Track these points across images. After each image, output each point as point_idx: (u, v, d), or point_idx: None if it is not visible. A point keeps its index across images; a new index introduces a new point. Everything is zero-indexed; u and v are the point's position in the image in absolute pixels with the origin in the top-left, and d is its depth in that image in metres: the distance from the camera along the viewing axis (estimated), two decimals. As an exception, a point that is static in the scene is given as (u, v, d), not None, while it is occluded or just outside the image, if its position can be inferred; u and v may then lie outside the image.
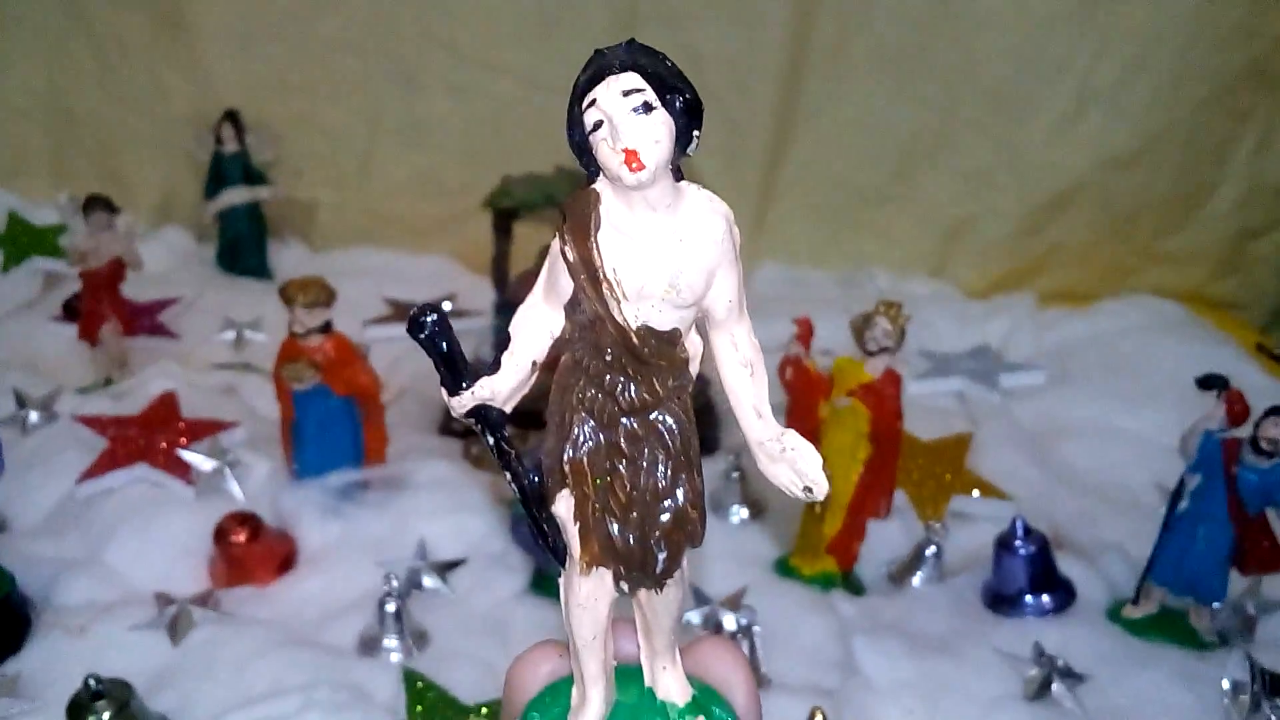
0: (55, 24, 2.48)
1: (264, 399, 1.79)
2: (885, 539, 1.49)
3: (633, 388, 0.55)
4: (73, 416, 1.64)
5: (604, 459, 0.57)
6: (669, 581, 0.60)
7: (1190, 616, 1.36)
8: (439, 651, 1.28)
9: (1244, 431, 1.30)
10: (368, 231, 2.50)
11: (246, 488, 1.54)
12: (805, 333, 1.39)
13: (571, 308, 0.56)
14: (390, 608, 1.27)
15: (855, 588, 1.43)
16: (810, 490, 0.54)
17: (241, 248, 2.38)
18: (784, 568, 1.45)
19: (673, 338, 0.55)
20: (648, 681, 0.63)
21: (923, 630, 1.33)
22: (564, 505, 0.59)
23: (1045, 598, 1.36)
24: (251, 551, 1.39)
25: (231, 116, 2.35)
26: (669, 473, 0.57)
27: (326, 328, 1.44)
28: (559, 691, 0.64)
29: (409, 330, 0.55)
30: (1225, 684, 1.23)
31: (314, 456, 1.50)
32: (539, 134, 2.02)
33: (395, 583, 1.29)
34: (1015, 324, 2.17)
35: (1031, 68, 2.37)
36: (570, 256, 0.53)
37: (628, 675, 0.64)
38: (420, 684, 1.17)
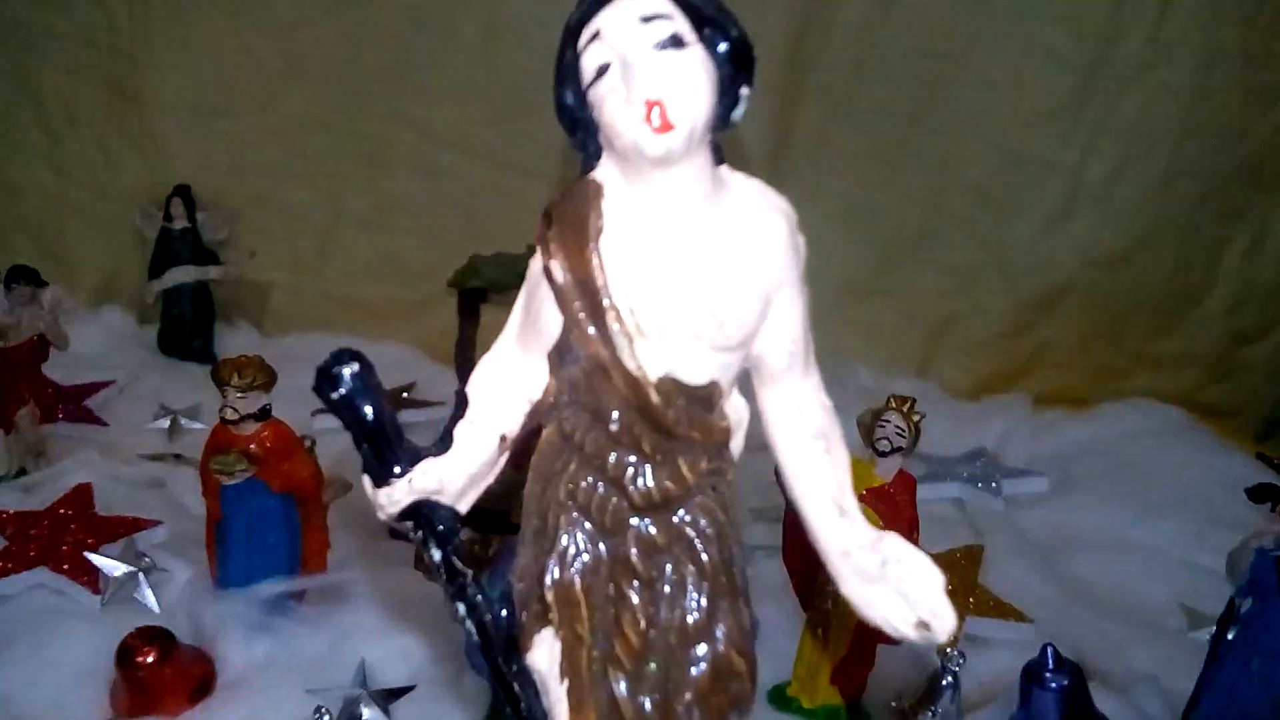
0: (2, 91, 2.35)
1: (194, 495, 1.60)
2: (893, 666, 1.32)
3: (650, 472, 0.37)
4: (-29, 512, 1.45)
5: (606, 581, 0.39)
6: None
7: (1239, 760, 1.20)
8: (378, 800, 1.08)
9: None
10: (324, 317, 2.34)
11: (162, 597, 1.36)
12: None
13: (559, 356, 0.39)
14: (322, 745, 1.08)
15: (861, 725, 1.26)
16: (927, 627, 0.37)
17: (185, 330, 2.22)
18: (780, 698, 1.28)
19: (709, 396, 0.38)
20: None
21: (941, 779, 1.15)
22: (545, 652, 0.41)
23: (1080, 741, 1.19)
24: (161, 675, 1.18)
25: (182, 192, 2.21)
26: (703, 601, 0.39)
27: (264, 414, 1.27)
28: None
29: (316, 387, 0.38)
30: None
31: (242, 563, 1.32)
32: (510, 218, 1.90)
33: (328, 716, 1.09)
34: (1011, 426, 2.05)
35: (1019, 164, 2.31)
36: (559, 276, 0.36)
37: None
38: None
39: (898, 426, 1.19)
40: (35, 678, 1.21)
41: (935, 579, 0.37)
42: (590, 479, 0.38)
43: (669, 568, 0.38)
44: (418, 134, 2.31)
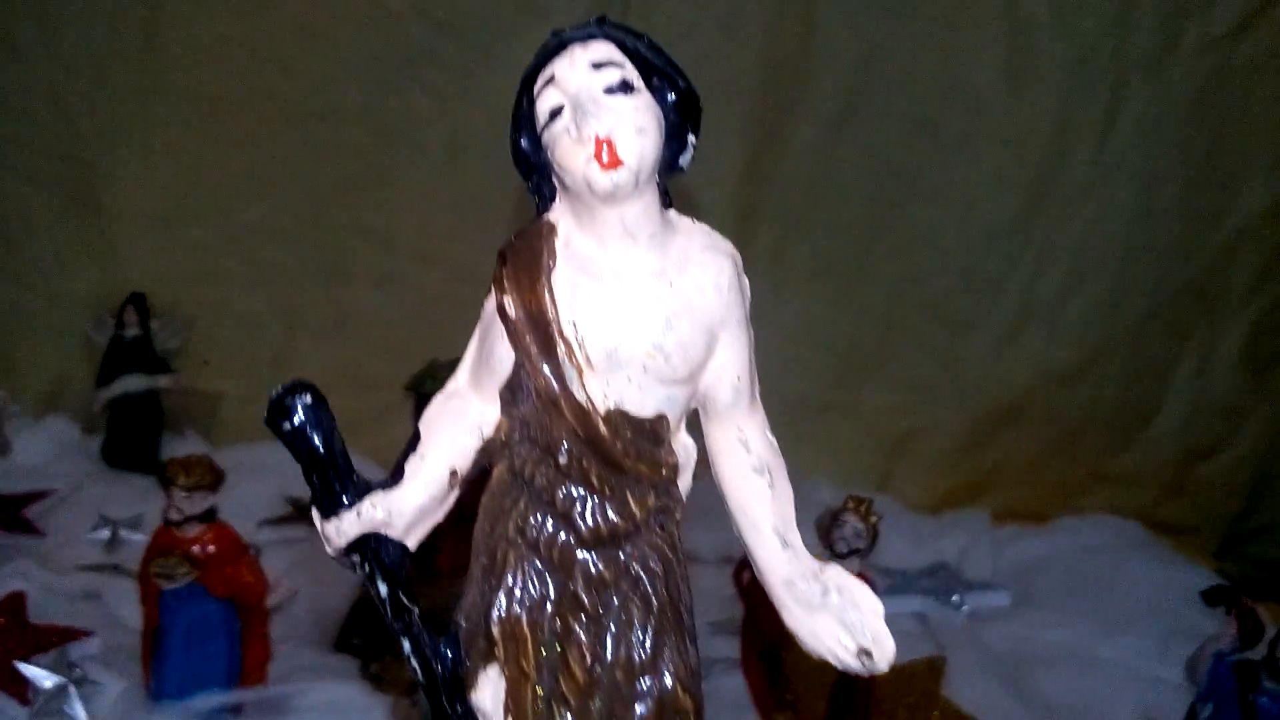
0: (-42, 198, 2.34)
1: (130, 607, 1.54)
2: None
3: (598, 506, 0.37)
4: (-109, 621, 1.38)
5: (553, 618, 0.38)
6: None
7: None
8: None
9: (1258, 653, 1.15)
10: (277, 427, 2.30)
11: (94, 710, 1.29)
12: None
13: (511, 394, 0.38)
14: None
15: (825, 844, 1.21)
16: (868, 655, 0.35)
17: (131, 439, 2.17)
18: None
19: (655, 430, 0.38)
20: None
21: None
22: (490, 691, 0.39)
23: None
24: (85, 794, 1.11)
25: (136, 300, 2.19)
26: (649, 638, 0.38)
27: (209, 516, 1.23)
28: None
29: (268, 419, 0.38)
30: None
31: (178, 673, 1.26)
32: (467, 327, 1.91)
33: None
34: (971, 541, 2.05)
35: (972, 281, 2.37)
36: (511, 310, 0.36)
37: None
38: None
39: (855, 528, 1.18)
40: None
41: (875, 607, 0.36)
42: (539, 515, 0.37)
43: (616, 603, 0.37)
44: (378, 245, 2.32)
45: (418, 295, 2.32)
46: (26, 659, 1.31)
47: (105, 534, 1.83)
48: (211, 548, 1.23)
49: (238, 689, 1.28)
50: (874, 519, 1.20)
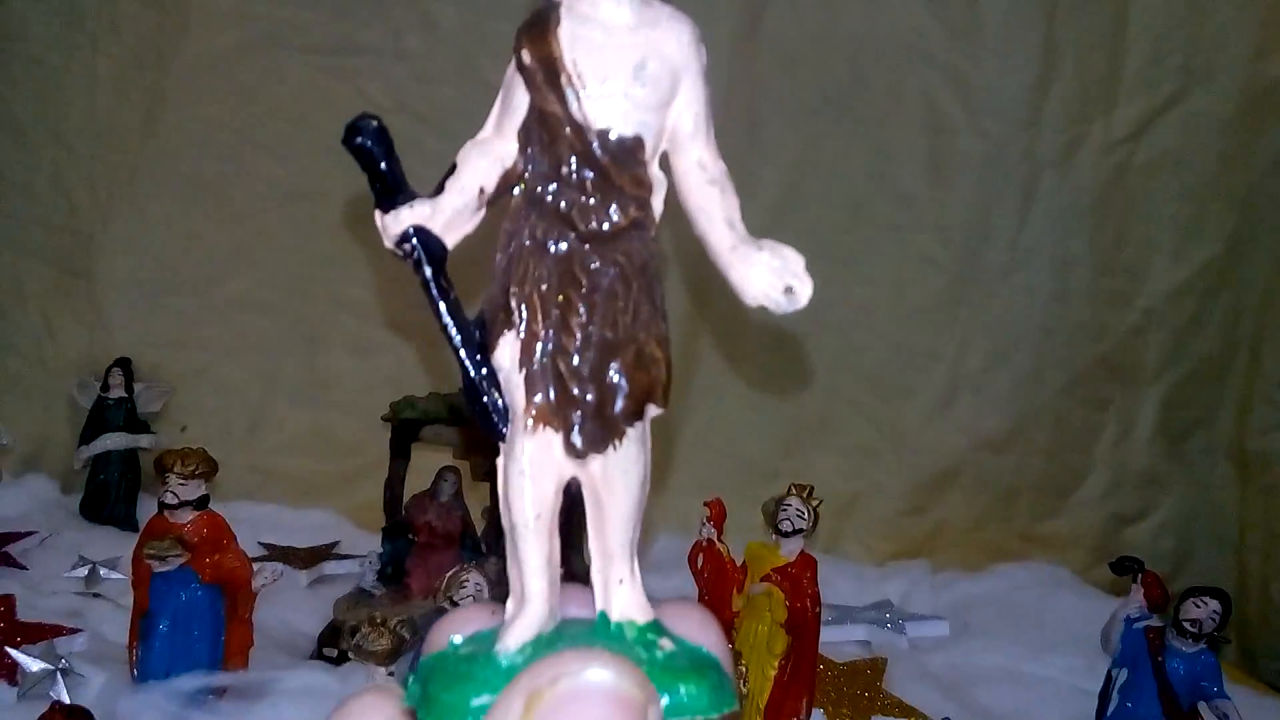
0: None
1: (112, 624, 1.62)
2: (801, 759, 1.36)
3: (592, 207, 0.50)
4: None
5: (557, 294, 0.50)
6: (629, 436, 0.50)
7: (1132, 837, 1.25)
8: None
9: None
10: (251, 488, 2.38)
11: (78, 696, 1.34)
12: (718, 515, 1.35)
13: (526, 135, 0.52)
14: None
15: (772, 807, 1.29)
16: (793, 291, 0.48)
17: (110, 496, 2.24)
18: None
19: (635, 151, 0.51)
20: (600, 604, 0.49)
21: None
22: (508, 351, 0.50)
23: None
24: (76, 752, 1.18)
25: (123, 364, 2.30)
26: (630, 309, 0.50)
27: (202, 504, 1.34)
28: (489, 630, 0.52)
29: (344, 138, 0.50)
30: None
31: (163, 655, 1.33)
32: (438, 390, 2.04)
33: (249, 771, 1.10)
34: (912, 584, 2.16)
35: (906, 355, 2.54)
36: (527, 59, 0.50)
37: (578, 622, 0.52)
38: None
39: (798, 509, 1.31)
40: (-57, 760, 1.19)
41: (797, 256, 0.49)
42: (546, 222, 0.50)
43: (604, 284, 0.50)
44: (356, 316, 2.46)
45: (391, 362, 2.45)
46: (17, 646, 1.37)
47: (84, 571, 1.89)
48: (203, 533, 1.32)
49: (221, 672, 1.35)
50: (815, 503, 1.33)
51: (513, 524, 0.50)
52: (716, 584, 1.34)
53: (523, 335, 0.51)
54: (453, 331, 0.52)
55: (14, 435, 2.32)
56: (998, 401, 2.53)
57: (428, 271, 0.52)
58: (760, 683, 1.28)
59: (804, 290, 0.48)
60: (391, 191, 0.51)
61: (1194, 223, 2.49)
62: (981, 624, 1.97)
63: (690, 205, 0.53)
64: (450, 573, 1.28)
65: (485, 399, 0.51)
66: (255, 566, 1.39)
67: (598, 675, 0.39)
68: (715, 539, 1.34)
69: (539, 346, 0.51)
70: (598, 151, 0.50)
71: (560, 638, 0.48)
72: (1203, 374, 2.54)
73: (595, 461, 0.50)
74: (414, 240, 0.51)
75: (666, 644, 0.47)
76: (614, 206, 0.52)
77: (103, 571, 1.90)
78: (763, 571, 1.30)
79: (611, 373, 0.50)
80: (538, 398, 0.50)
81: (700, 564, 1.34)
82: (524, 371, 0.51)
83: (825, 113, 2.50)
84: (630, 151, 0.52)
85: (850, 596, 2.08)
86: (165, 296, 2.42)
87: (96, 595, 1.77)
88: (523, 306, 0.51)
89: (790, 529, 1.30)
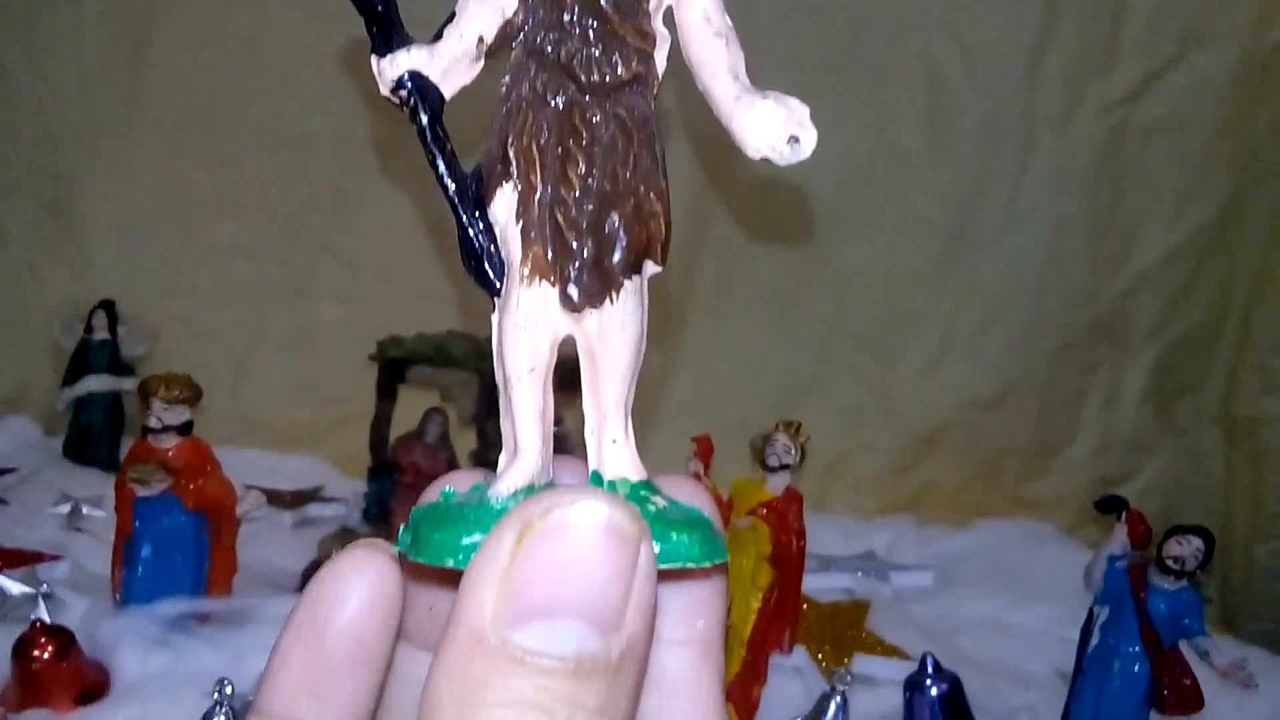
0: (-67, 210, 2.43)
1: (93, 555, 1.61)
2: (786, 697, 1.36)
3: (594, 56, 0.48)
4: None
5: (556, 145, 0.48)
6: (625, 290, 0.49)
7: (1112, 775, 1.25)
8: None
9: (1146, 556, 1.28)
10: (236, 435, 2.36)
11: (60, 621, 1.32)
12: (705, 450, 1.35)
13: None
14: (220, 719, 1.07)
15: (755, 741, 1.29)
16: (796, 140, 0.47)
17: (93, 438, 2.22)
18: None
19: (639, 1, 0.50)
20: (593, 463, 0.49)
21: (833, 775, 1.18)
22: (505, 202, 0.49)
23: (961, 740, 1.25)
24: (56, 670, 1.17)
25: (107, 306, 2.28)
26: (630, 161, 0.49)
27: (186, 429, 1.32)
28: (481, 482, 0.51)
29: None
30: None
31: (146, 580, 1.32)
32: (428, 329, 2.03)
33: (230, 689, 1.09)
34: (898, 537, 2.17)
35: (897, 316, 2.53)
36: None
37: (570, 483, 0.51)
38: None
39: (785, 444, 1.30)
40: (-80, 677, 1.18)
41: (801, 106, 0.47)
42: (547, 74, 0.49)
43: (605, 136, 0.49)
44: (343, 264, 2.44)
45: (379, 311, 2.42)
46: (-2, 572, 1.36)
47: (66, 508, 1.87)
48: (186, 458, 1.31)
49: (204, 598, 1.34)
50: (802, 439, 1.32)
51: (506, 377, 0.49)
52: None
53: (520, 187, 0.50)
54: (448, 182, 0.51)
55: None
56: (988, 363, 2.52)
57: (424, 119, 0.51)
58: (744, 614, 1.28)
59: (809, 139, 0.47)
60: (388, 35, 0.50)
61: (1190, 187, 2.48)
62: (966, 576, 1.97)
63: (694, 60, 0.52)
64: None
65: (481, 252, 0.50)
66: (239, 493, 1.37)
67: (591, 505, 0.38)
68: (702, 474, 1.33)
69: (536, 198, 0.49)
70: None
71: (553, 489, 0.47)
72: (1193, 339, 2.54)
73: (591, 316, 0.49)
74: (410, 86, 0.50)
75: (659, 500, 0.47)
76: (616, 57, 0.50)
77: (85, 509, 1.89)
78: (749, 506, 1.29)
79: (610, 224, 0.48)
80: (534, 250, 0.49)
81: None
82: (521, 223, 0.50)
83: (823, 71, 2.48)
84: (634, 1, 0.51)
85: (836, 548, 2.09)
86: (149, 241, 2.40)
87: (79, 530, 1.75)
88: (521, 158, 0.49)
89: (777, 464, 1.30)
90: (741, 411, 2.54)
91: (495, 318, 0.49)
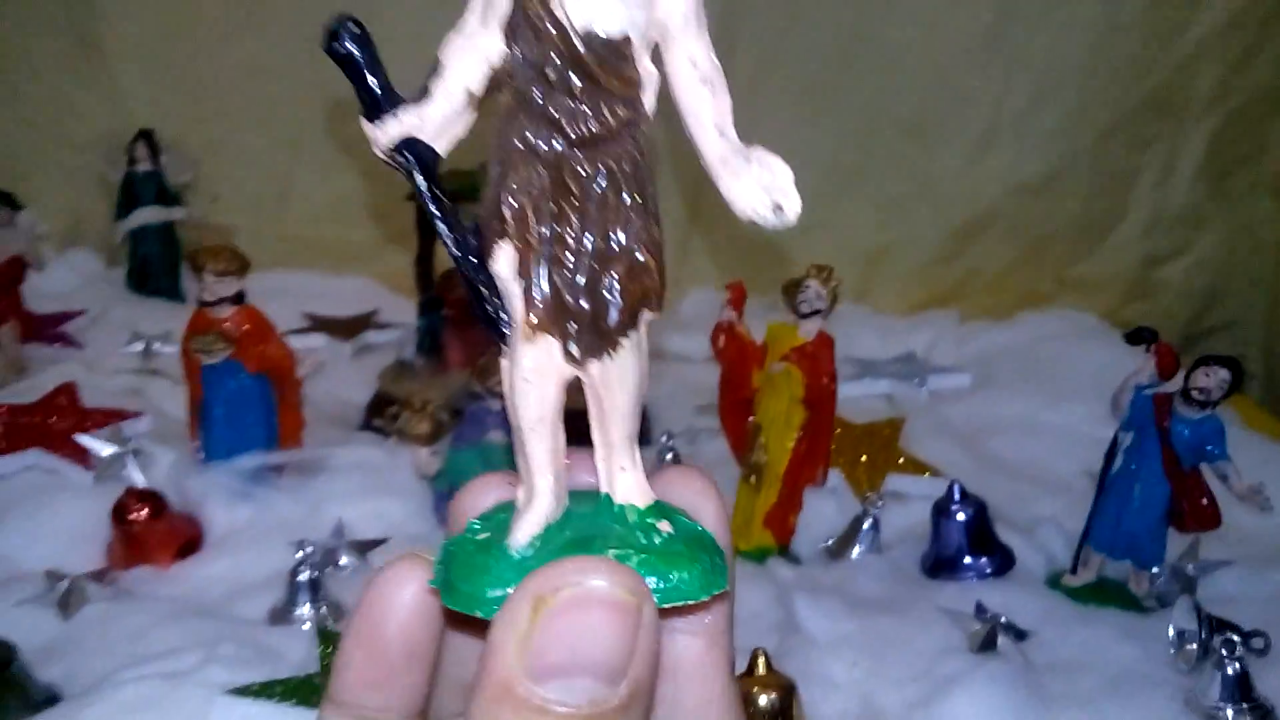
0: (-40, 46, 2.41)
1: (172, 400, 1.71)
2: (822, 516, 1.45)
3: (581, 112, 0.49)
4: (-38, 406, 1.54)
5: (549, 202, 0.50)
6: (624, 344, 0.52)
7: (1130, 582, 1.34)
8: (357, 624, 1.20)
9: (1174, 386, 1.30)
10: (286, 256, 2.42)
11: (150, 476, 1.45)
12: (738, 297, 1.37)
13: (512, 32, 0.50)
14: (304, 577, 1.19)
15: (793, 561, 1.39)
16: (780, 208, 0.48)
17: (152, 269, 2.30)
18: (719, 544, 1.41)
19: (622, 50, 0.49)
20: (604, 487, 0.53)
21: (863, 593, 1.29)
22: (505, 260, 0.51)
23: (984, 560, 1.34)
24: (153, 530, 1.29)
25: (146, 135, 2.29)
26: (622, 218, 0.50)
27: (239, 299, 1.38)
28: (505, 506, 0.56)
29: (324, 43, 0.49)
30: (1171, 632, 1.20)
31: (223, 438, 1.42)
32: (462, 159, 2.02)
33: (310, 550, 1.21)
34: (938, 335, 2.20)
35: (943, 99, 2.45)
36: None
37: (585, 495, 0.56)
38: (338, 640, 1.09)
39: (817, 290, 1.32)
40: (34, 539, 1.31)
41: (786, 172, 0.48)
42: (535, 126, 0.49)
43: (597, 192, 0.49)
44: (374, 79, 2.40)
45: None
46: (86, 433, 1.47)
47: (139, 347, 1.98)
48: (244, 327, 1.37)
49: (277, 451, 1.44)
50: (834, 284, 1.34)
51: (519, 425, 0.52)
52: (738, 363, 1.38)
53: (518, 245, 0.51)
54: (449, 241, 0.52)
55: (48, 216, 2.35)
56: (1038, 145, 2.46)
57: (421, 183, 0.51)
58: (779, 454, 1.35)
59: (792, 207, 0.47)
60: (376, 100, 0.50)
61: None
62: (1003, 375, 2.01)
63: (681, 105, 0.51)
64: (483, 360, 1.33)
65: (487, 305, 0.52)
66: (298, 356, 1.45)
67: (595, 584, 0.43)
68: (735, 321, 1.37)
69: (534, 257, 0.51)
70: (583, 53, 0.48)
71: (567, 523, 0.52)
72: (1254, 107, 2.44)
73: (594, 365, 0.52)
74: (404, 154, 0.50)
75: (664, 526, 0.51)
76: (603, 110, 0.50)
77: (156, 346, 1.99)
78: (782, 351, 1.33)
79: (605, 286, 0.50)
80: (535, 309, 0.51)
81: (722, 344, 1.38)
82: (521, 283, 0.52)
83: None
84: (617, 50, 0.50)
85: (875, 350, 2.13)
86: (176, 66, 2.37)
87: (154, 372, 1.86)
88: (515, 219, 0.51)
89: (809, 310, 1.32)
90: (782, 207, 2.54)
91: (505, 365, 0.53)
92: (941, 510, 1.37)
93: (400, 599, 0.52)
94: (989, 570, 1.33)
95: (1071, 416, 1.83)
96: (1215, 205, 2.54)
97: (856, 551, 1.40)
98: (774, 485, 1.37)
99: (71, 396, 1.54)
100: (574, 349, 0.51)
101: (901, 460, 1.56)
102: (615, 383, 0.52)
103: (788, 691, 1.02)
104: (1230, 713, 1.07)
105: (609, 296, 0.51)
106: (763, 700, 1.00)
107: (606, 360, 0.51)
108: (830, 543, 1.42)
